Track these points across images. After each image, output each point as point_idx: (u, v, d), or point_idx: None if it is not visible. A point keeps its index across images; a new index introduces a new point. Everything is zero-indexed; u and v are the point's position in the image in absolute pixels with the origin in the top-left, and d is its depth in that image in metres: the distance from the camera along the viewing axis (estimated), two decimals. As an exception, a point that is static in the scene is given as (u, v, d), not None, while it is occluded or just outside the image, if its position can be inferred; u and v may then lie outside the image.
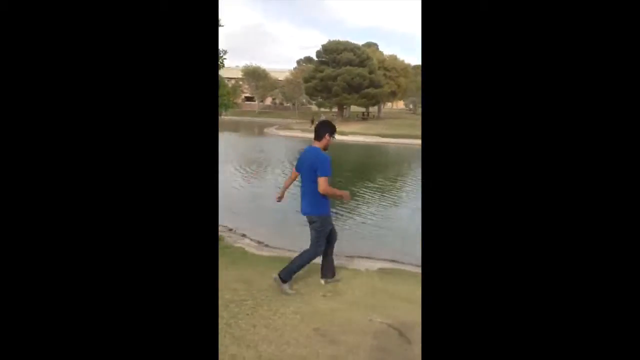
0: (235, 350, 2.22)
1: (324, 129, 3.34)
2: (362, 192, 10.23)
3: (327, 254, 3.50)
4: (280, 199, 3.63)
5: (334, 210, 7.30)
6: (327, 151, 3.36)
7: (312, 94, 39.46)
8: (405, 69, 44.42)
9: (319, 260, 3.47)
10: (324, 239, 3.38)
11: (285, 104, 57.88)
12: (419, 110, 54.98)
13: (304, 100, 49.52)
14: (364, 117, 42.20)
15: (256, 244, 5.55)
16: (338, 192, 3.38)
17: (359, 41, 42.34)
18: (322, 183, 3.16)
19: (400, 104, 66.41)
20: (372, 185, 11.51)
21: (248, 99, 57.03)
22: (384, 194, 10.42)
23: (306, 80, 38.57)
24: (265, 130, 31.05)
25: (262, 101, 57.89)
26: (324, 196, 3.24)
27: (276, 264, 4.11)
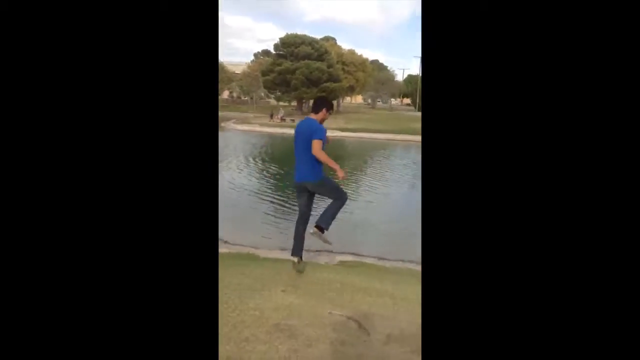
0: (193, 350, 2.16)
1: (323, 104, 3.51)
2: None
3: (301, 232, 3.60)
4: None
5: (289, 207, 7.29)
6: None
7: (270, 87, 39.04)
8: (363, 63, 44.90)
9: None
10: (338, 188, 3.55)
11: (243, 98, 57.00)
12: (377, 104, 55.88)
13: (262, 94, 48.97)
14: (323, 111, 42.19)
15: (214, 241, 5.43)
16: (331, 161, 3.41)
17: (317, 35, 42.38)
18: (316, 145, 3.27)
19: (358, 99, 67.17)
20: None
21: (204, 92, 55.42)
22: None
23: (264, 74, 38.08)
24: (222, 124, 30.46)
25: (219, 95, 56.69)
26: (320, 162, 3.33)
27: (235, 261, 4.05)
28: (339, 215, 3.54)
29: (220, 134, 26.80)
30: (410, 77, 67.55)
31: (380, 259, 4.86)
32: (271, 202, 8.51)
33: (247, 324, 2.52)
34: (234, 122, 32.57)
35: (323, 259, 4.13)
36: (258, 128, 28.93)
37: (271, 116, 33.85)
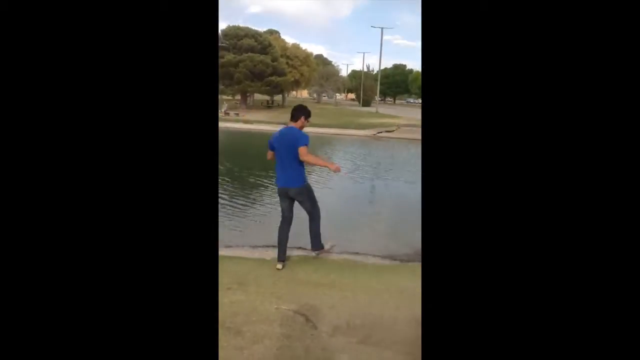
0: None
1: (301, 112, 3.65)
2: (266, 182, 10.18)
3: (285, 236, 3.75)
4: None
5: (232, 203, 7.18)
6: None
7: (213, 80, 37.98)
8: (307, 57, 44.88)
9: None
10: (314, 199, 3.80)
11: (184, 91, 54.94)
12: (322, 99, 56.18)
13: (205, 87, 47.52)
14: (269, 105, 41.87)
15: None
16: (322, 161, 3.68)
17: (260, 28, 41.77)
18: (304, 151, 3.43)
19: (304, 93, 67.18)
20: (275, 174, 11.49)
21: (143, 84, 52.99)
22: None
23: (206, 66, 36.93)
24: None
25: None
26: (303, 169, 3.56)
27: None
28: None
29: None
30: (354, 72, 68.58)
31: (325, 252, 4.91)
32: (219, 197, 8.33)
33: (191, 324, 2.45)
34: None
35: (269, 255, 4.11)
36: (201, 122, 28.09)
37: (214, 110, 33.00)
